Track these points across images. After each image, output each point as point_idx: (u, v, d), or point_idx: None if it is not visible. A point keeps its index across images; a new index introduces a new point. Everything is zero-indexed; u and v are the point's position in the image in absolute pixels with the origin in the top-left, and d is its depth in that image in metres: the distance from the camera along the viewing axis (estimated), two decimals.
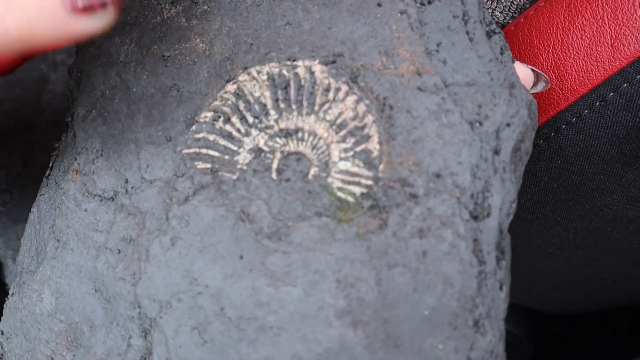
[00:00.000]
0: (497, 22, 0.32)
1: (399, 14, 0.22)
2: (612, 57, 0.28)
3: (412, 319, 0.19)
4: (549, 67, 0.30)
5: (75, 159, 0.24)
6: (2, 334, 0.24)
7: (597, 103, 0.29)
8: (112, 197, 0.23)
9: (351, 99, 0.21)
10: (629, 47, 0.28)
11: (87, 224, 0.23)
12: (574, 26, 0.29)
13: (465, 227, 0.20)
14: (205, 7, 0.24)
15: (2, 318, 0.25)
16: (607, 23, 0.28)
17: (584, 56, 0.29)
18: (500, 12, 0.32)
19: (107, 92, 0.24)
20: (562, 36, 0.29)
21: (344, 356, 0.20)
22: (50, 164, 0.26)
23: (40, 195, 0.26)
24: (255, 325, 0.21)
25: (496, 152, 0.21)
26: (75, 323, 0.23)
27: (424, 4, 0.22)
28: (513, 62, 0.23)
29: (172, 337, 0.21)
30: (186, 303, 0.21)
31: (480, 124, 0.21)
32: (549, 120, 0.31)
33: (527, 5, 0.32)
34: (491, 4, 0.31)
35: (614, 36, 0.28)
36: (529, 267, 0.43)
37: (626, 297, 0.48)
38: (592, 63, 0.29)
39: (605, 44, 0.28)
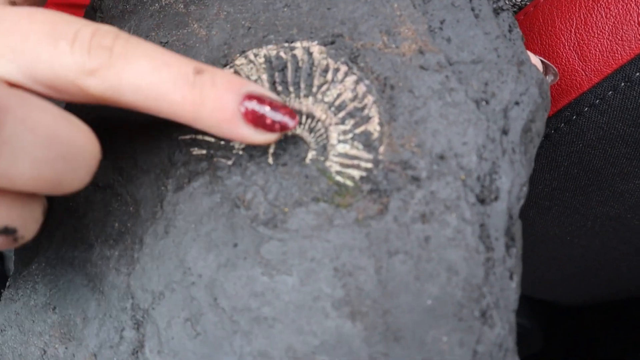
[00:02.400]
0: (514, 4, 0.31)
1: None
2: (639, 35, 0.27)
3: (414, 310, 0.18)
4: (571, 48, 0.29)
5: None
6: None
7: (622, 84, 0.28)
8: (107, 186, 0.23)
9: (350, 79, 0.20)
10: None
11: (83, 214, 0.23)
12: (598, 4, 0.28)
13: (472, 211, 0.19)
14: None
15: None
16: (633, 0, 0.27)
17: (609, 35, 0.28)
18: None
19: None
20: (585, 15, 0.28)
21: (341, 349, 0.18)
22: None
23: None
24: (249, 316, 0.20)
25: (504, 132, 0.19)
26: (68, 315, 0.22)
27: None
28: (523, 40, 0.21)
29: (164, 328, 0.21)
30: (179, 293, 0.21)
31: (487, 102, 0.20)
32: (571, 103, 0.30)
33: None
34: None
35: None
36: (544, 256, 0.42)
37: None
38: (618, 42, 0.28)
39: (632, 22, 0.27)
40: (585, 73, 0.29)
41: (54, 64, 0.17)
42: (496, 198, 0.19)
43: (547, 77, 0.26)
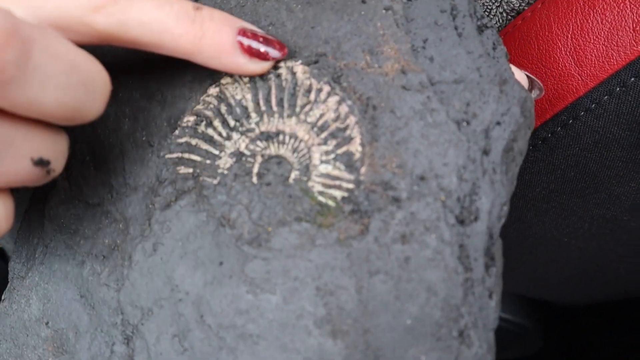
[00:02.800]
0: (512, 9, 0.31)
1: (384, 11, 0.21)
2: (634, 41, 0.28)
3: (394, 329, 0.19)
4: (567, 53, 0.29)
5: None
6: None
7: (618, 89, 0.28)
8: (98, 204, 0.23)
9: (333, 99, 0.21)
10: None
11: (74, 230, 0.23)
12: (594, 10, 0.28)
13: (451, 232, 0.19)
14: None
15: None
16: (628, 7, 0.28)
17: (605, 41, 0.28)
18: None
19: None
20: (581, 21, 0.29)
21: None
22: None
23: (31, 201, 0.26)
24: (235, 333, 0.20)
25: (485, 152, 0.20)
26: (61, 329, 0.23)
27: None
28: (507, 57, 0.22)
29: (153, 344, 0.21)
30: (167, 310, 0.21)
31: (468, 123, 0.20)
32: (568, 107, 0.30)
33: None
34: None
35: (635, 20, 0.27)
36: (543, 258, 0.43)
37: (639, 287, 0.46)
38: (613, 48, 0.28)
39: (627, 28, 0.28)
40: (581, 78, 0.29)
41: (63, 3, 0.18)
42: (476, 219, 0.19)
43: (533, 92, 0.26)
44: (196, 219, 0.21)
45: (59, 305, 0.23)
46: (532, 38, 0.30)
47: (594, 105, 0.29)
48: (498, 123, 0.20)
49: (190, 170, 0.22)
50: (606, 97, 0.29)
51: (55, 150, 0.19)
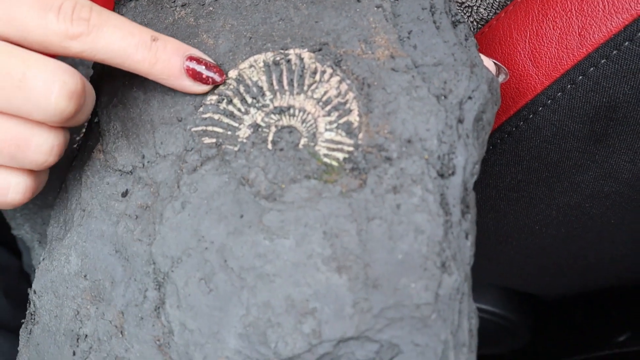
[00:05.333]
0: (481, 18, 0.36)
1: (375, 8, 0.26)
2: (580, 44, 0.31)
3: (388, 263, 0.23)
4: (526, 55, 0.33)
5: (99, 140, 0.28)
6: (35, 292, 0.28)
7: (569, 86, 0.32)
8: (130, 171, 0.27)
9: (335, 79, 0.25)
10: (594, 36, 0.31)
11: (109, 195, 0.27)
12: (547, 18, 0.32)
13: (433, 183, 0.23)
14: (211, 8, 0.28)
15: (34, 279, 0.28)
16: (574, 15, 0.32)
17: (556, 44, 0.32)
18: (485, 9, 0.36)
19: (127, 82, 0.28)
20: (536, 27, 0.33)
21: (330, 296, 0.23)
22: (76, 146, 0.30)
23: (69, 174, 0.29)
24: (254, 273, 0.24)
25: (460, 120, 0.24)
26: (98, 280, 0.26)
27: None
28: (477, 47, 0.26)
29: (182, 287, 0.25)
30: (194, 258, 0.25)
31: (445, 97, 0.24)
32: (528, 104, 0.34)
33: (508, 2, 0.35)
34: (475, 1, 0.35)
35: (580, 26, 0.31)
36: (518, 246, 0.45)
37: (613, 277, 0.49)
38: (563, 50, 0.32)
39: (574, 33, 0.32)
40: (538, 77, 0.33)
41: (44, 31, 0.23)
42: (453, 173, 0.23)
43: (500, 76, 0.30)
44: (219, 180, 0.25)
45: (95, 260, 0.27)
46: (497, 43, 0.34)
47: (550, 101, 0.33)
48: (470, 97, 0.24)
49: (214, 140, 0.26)
50: (559, 93, 0.32)
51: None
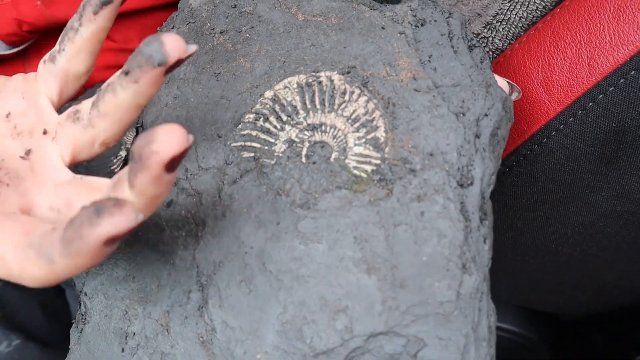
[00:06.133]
0: (497, 48, 0.38)
1: (399, 34, 0.28)
2: (589, 73, 0.33)
3: (414, 265, 0.25)
4: (539, 84, 0.35)
5: None
6: (86, 294, 0.30)
7: (580, 112, 0.34)
8: (175, 183, 0.29)
9: (363, 99, 0.27)
10: (602, 65, 0.33)
11: None
12: (558, 49, 0.35)
13: (454, 193, 0.25)
14: (247, 35, 0.31)
15: (85, 283, 0.30)
16: (584, 46, 0.34)
17: (567, 73, 0.34)
18: (500, 40, 0.38)
19: (170, 102, 0.31)
20: (549, 57, 0.35)
21: (361, 295, 0.25)
22: (120, 165, 0.32)
23: None
24: (290, 276, 0.26)
25: (477, 136, 0.26)
26: (145, 283, 0.29)
27: (417, 26, 0.29)
28: (491, 69, 0.29)
29: (224, 289, 0.27)
30: (235, 262, 0.27)
31: (464, 114, 0.27)
32: (541, 128, 0.36)
33: (521, 34, 0.38)
34: (490, 33, 0.37)
35: (589, 56, 0.33)
36: (535, 264, 0.46)
37: (632, 296, 0.49)
38: (574, 79, 0.34)
39: (583, 63, 0.34)
40: (550, 103, 0.35)
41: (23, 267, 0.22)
42: (471, 183, 0.26)
43: (513, 94, 0.33)
44: (257, 190, 0.28)
45: (142, 264, 0.29)
46: (511, 72, 0.36)
47: (562, 126, 0.35)
48: (486, 115, 0.27)
49: (252, 154, 0.28)
50: (571, 119, 0.34)
51: None
